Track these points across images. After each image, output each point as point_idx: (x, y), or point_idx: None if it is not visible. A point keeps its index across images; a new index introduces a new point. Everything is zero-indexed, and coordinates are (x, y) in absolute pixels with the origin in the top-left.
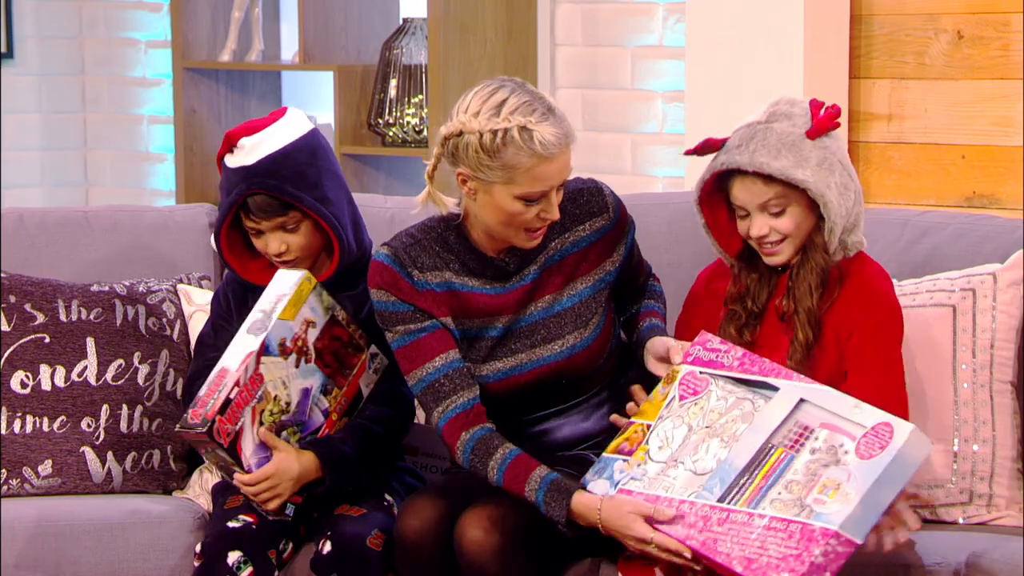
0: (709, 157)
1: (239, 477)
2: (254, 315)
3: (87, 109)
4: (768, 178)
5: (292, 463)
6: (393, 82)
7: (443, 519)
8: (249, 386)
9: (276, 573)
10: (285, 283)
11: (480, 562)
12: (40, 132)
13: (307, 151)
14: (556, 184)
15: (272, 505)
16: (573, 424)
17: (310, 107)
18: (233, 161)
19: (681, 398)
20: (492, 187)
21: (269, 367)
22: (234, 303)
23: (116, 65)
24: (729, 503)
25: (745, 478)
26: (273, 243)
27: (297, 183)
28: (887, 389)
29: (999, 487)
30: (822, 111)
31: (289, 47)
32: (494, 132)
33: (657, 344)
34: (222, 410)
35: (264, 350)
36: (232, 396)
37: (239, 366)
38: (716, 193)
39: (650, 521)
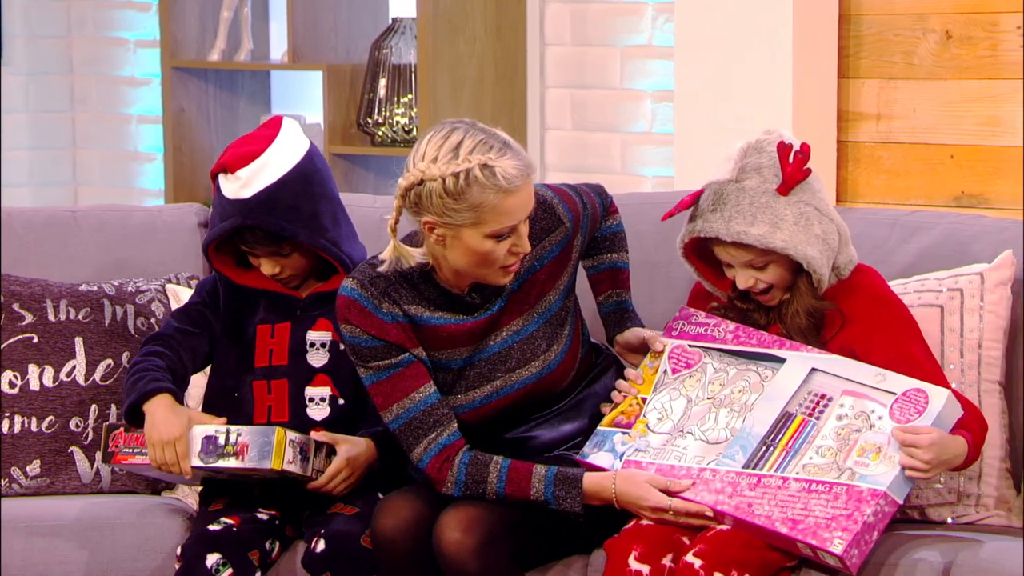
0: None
1: (313, 485)
2: (214, 431)
3: (75, 108)
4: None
5: (358, 451)
6: (382, 82)
7: (420, 518)
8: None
9: (258, 574)
10: (254, 449)
11: (459, 562)
12: (28, 131)
13: (301, 180)
14: (523, 217)
15: (342, 492)
16: (552, 428)
17: (299, 107)
18: (228, 190)
19: (674, 371)
20: (461, 230)
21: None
22: (223, 294)
23: (104, 64)
24: (755, 469)
25: (767, 445)
26: (267, 266)
27: (293, 217)
28: (928, 379)
29: (987, 487)
30: (791, 157)
31: (278, 47)
32: (456, 175)
33: (629, 336)
34: (130, 466)
35: (196, 469)
36: (143, 466)
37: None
38: (699, 243)
39: (666, 492)
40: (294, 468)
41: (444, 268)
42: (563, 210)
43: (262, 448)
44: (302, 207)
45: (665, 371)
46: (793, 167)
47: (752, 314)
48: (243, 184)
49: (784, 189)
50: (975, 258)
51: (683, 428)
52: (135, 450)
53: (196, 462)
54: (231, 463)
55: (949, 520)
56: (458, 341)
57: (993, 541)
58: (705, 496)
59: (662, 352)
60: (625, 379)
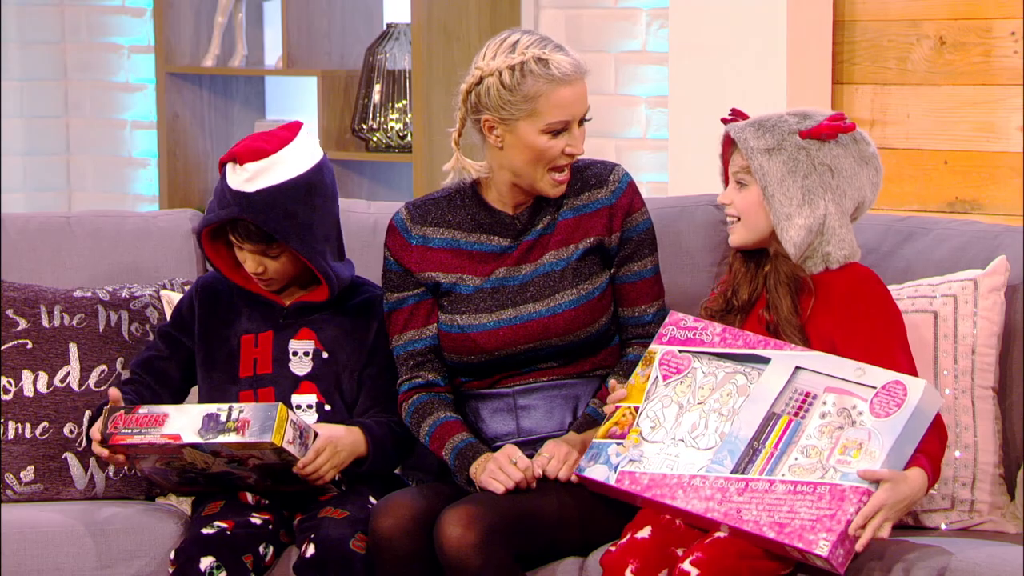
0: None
1: (299, 466)
2: (216, 408)
3: (70, 114)
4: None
5: (341, 431)
6: (377, 87)
7: (418, 518)
8: (165, 452)
9: None
10: (255, 424)
11: (460, 557)
12: (23, 137)
13: (305, 189)
14: (577, 114)
15: (331, 475)
16: (547, 412)
17: (293, 112)
18: (234, 181)
19: (664, 378)
20: (517, 125)
21: (195, 452)
22: (199, 310)
23: (99, 70)
24: (743, 473)
25: (754, 448)
26: (251, 263)
27: (289, 221)
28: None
29: (981, 493)
30: (840, 122)
31: (273, 52)
32: (512, 67)
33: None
34: (128, 446)
35: (196, 447)
36: (142, 445)
37: (165, 439)
38: None
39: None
40: (293, 449)
41: (499, 179)
42: (617, 182)
43: (264, 423)
44: (299, 215)
45: (656, 379)
46: (823, 125)
47: (739, 278)
48: (249, 178)
49: (805, 133)
50: (969, 264)
51: (674, 436)
52: (134, 431)
53: (195, 439)
54: (231, 438)
55: (943, 526)
56: (491, 263)
57: (987, 547)
58: (696, 504)
59: (652, 361)
60: (611, 390)
